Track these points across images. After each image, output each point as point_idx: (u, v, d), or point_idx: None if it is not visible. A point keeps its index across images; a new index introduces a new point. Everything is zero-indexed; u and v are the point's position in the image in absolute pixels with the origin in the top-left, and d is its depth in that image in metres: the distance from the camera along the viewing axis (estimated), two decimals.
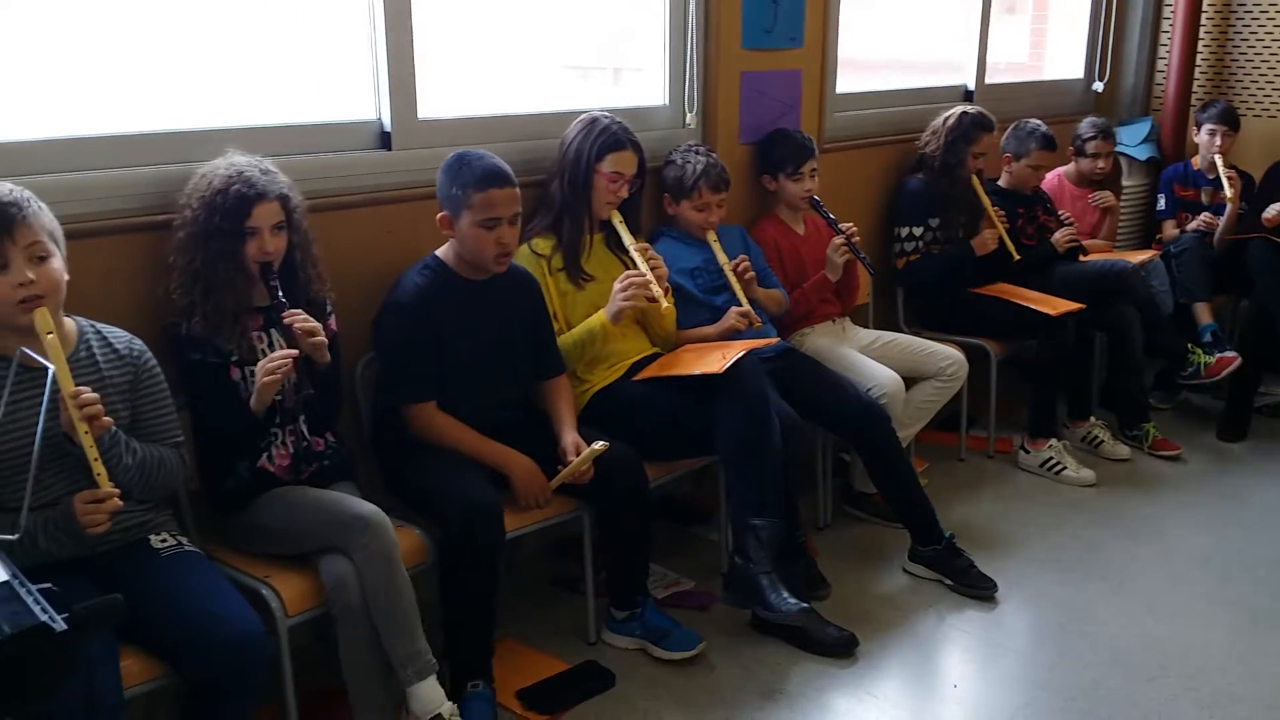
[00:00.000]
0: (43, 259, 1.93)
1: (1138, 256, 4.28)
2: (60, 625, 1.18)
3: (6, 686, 1.21)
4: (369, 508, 2.25)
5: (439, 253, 2.61)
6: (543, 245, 2.86)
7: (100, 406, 1.91)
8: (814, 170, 3.39)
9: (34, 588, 1.27)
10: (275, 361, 2.18)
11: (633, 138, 2.87)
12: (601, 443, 2.51)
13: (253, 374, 2.28)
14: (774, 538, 2.69)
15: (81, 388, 1.91)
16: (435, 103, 2.79)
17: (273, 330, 2.34)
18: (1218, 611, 2.98)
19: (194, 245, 2.22)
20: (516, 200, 2.52)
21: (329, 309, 2.43)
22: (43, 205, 1.97)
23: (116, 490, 1.91)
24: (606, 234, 2.95)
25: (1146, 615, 2.95)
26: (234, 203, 2.20)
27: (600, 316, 2.78)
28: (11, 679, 1.21)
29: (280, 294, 2.25)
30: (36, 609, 1.20)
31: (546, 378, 2.75)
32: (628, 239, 2.84)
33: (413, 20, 2.66)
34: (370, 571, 2.19)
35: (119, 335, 2.13)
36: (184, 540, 2.15)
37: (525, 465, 2.55)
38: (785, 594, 2.63)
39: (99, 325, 2.12)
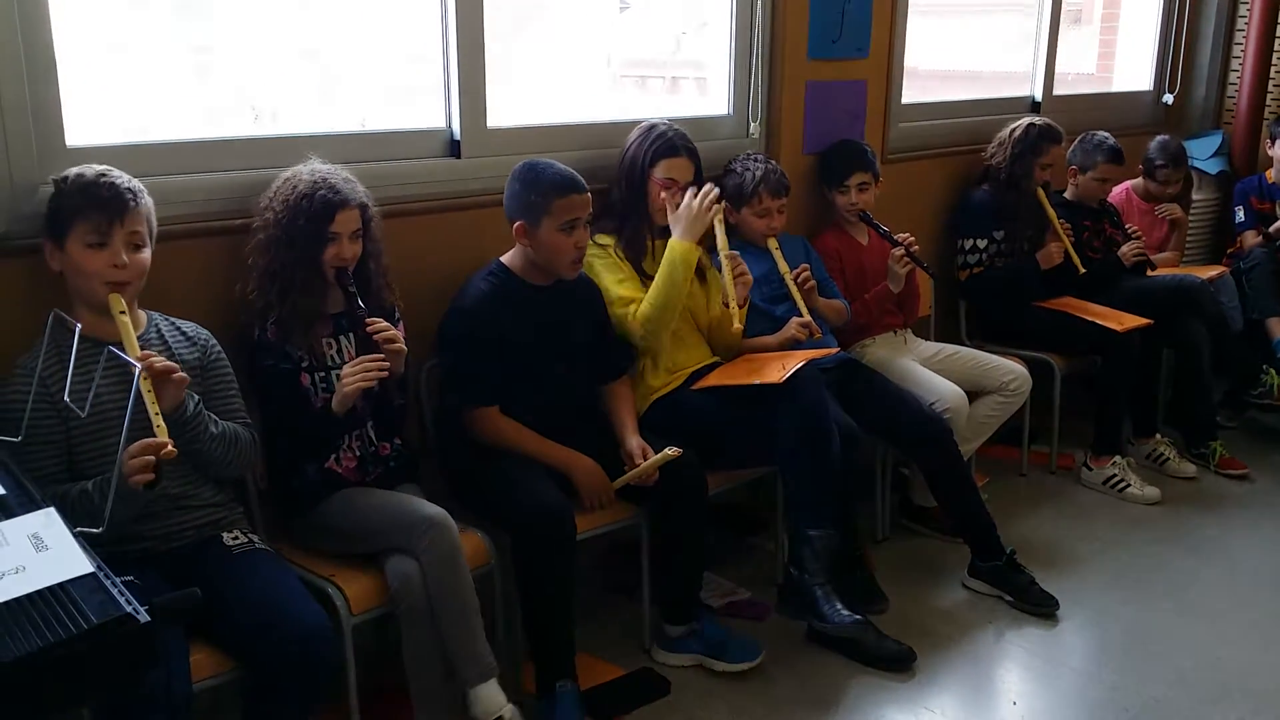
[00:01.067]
0: (138, 247, 2.05)
1: (1207, 272, 4.20)
2: (144, 616, 1.22)
3: (92, 675, 1.26)
4: (434, 509, 2.29)
5: (504, 259, 2.65)
6: (605, 239, 2.87)
7: (171, 364, 1.96)
8: (863, 184, 3.37)
9: (119, 580, 1.31)
10: (368, 368, 2.23)
11: (689, 144, 2.89)
12: (674, 449, 2.52)
13: (322, 379, 2.34)
14: (830, 549, 2.69)
15: (149, 352, 1.97)
16: (503, 112, 2.84)
17: (342, 337, 2.39)
18: None
19: (274, 247, 2.28)
20: (590, 204, 2.58)
21: (397, 316, 2.48)
22: (149, 200, 2.09)
23: (167, 442, 1.88)
24: (668, 239, 2.96)
25: (1211, 635, 2.90)
26: (319, 207, 2.26)
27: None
28: (97, 667, 1.26)
29: (359, 301, 2.30)
30: (121, 600, 1.24)
31: (608, 381, 2.78)
32: (722, 241, 2.84)
33: (484, 31, 2.71)
34: (435, 572, 2.23)
35: (187, 324, 2.22)
36: (255, 538, 2.20)
37: (588, 466, 2.57)
38: (840, 606, 2.63)
39: (169, 317, 2.21)
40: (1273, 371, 4.03)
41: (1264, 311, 4.19)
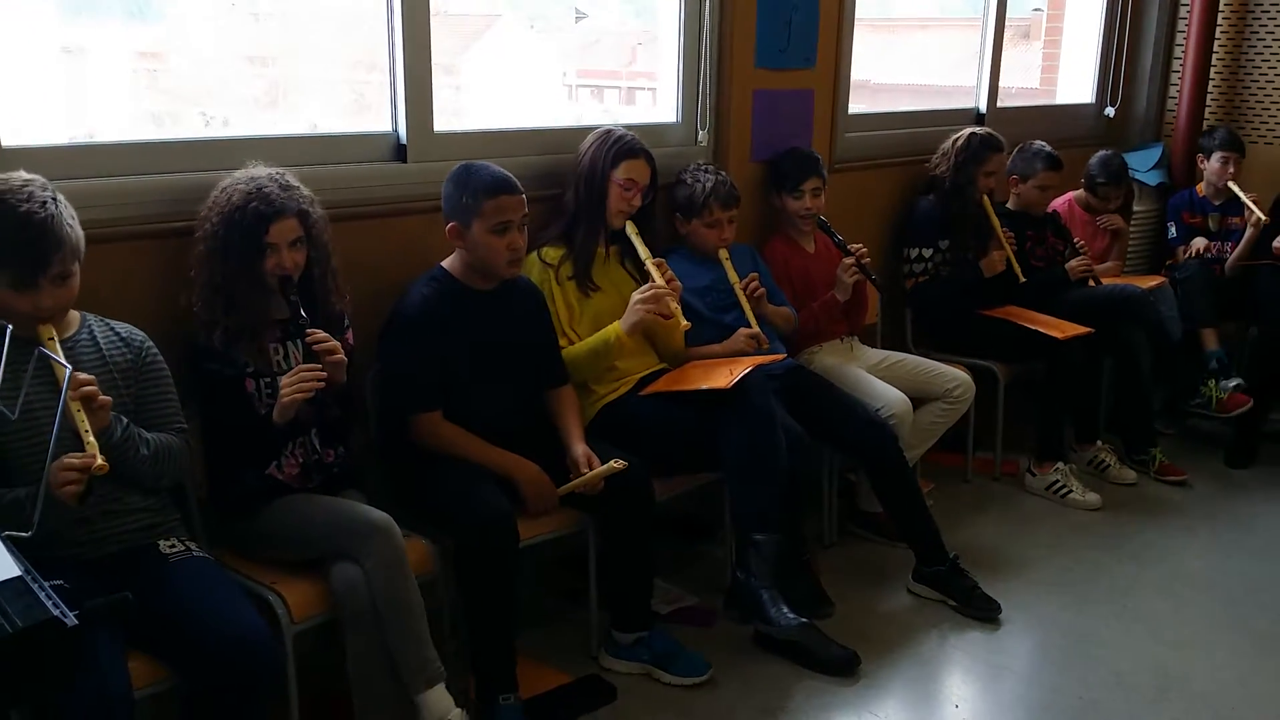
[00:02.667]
0: (66, 278, 1.99)
1: (1147, 282, 4.29)
2: (71, 620, 1.20)
3: (19, 679, 1.24)
4: (379, 515, 2.28)
5: (445, 264, 2.64)
6: (552, 255, 2.89)
7: (93, 388, 1.92)
8: (816, 189, 3.40)
9: (47, 584, 1.29)
10: (305, 380, 2.20)
11: (645, 148, 2.91)
12: (620, 462, 2.52)
13: (267, 385, 2.32)
14: (776, 553, 2.70)
15: (81, 374, 1.93)
16: (450, 117, 2.83)
17: (289, 343, 2.37)
18: (1221, 635, 2.99)
19: (214, 260, 2.25)
20: (524, 205, 2.57)
21: (346, 323, 2.46)
22: (74, 217, 2.01)
23: (96, 455, 1.86)
24: (621, 249, 2.97)
25: (1150, 638, 2.96)
26: (252, 220, 2.23)
27: (615, 328, 2.80)
28: (24, 672, 1.23)
29: (301, 311, 2.28)
30: (49, 604, 1.22)
31: (552, 387, 2.77)
32: (643, 251, 2.86)
33: (430, 34, 2.70)
34: (379, 578, 2.21)
35: (120, 325, 2.18)
36: (193, 546, 2.17)
37: (532, 471, 2.57)
38: (785, 609, 2.65)
39: (104, 318, 2.16)
40: (1212, 384, 4.11)
41: (1198, 322, 4.28)
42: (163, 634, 1.95)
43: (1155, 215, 4.89)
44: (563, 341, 2.85)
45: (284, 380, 2.23)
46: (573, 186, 2.92)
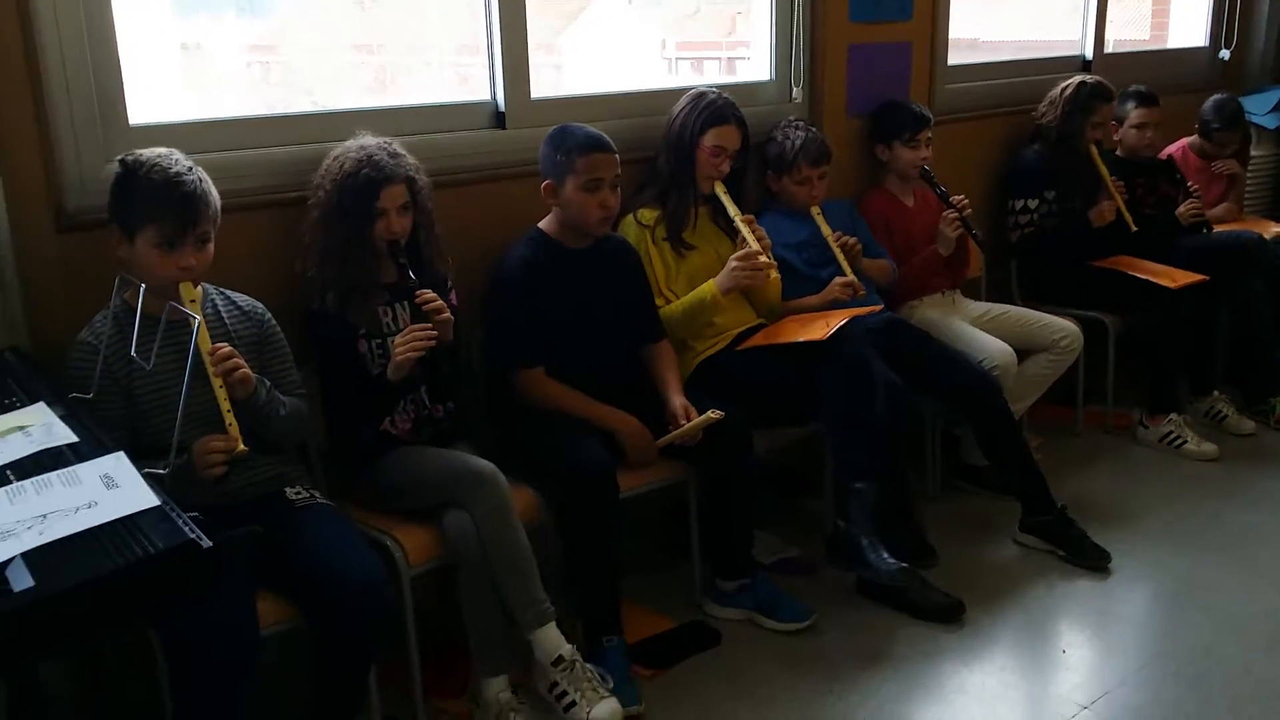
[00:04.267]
0: (205, 243, 2.13)
1: (1269, 229, 4.13)
2: (207, 542, 1.32)
3: (159, 598, 1.36)
4: (485, 464, 2.38)
5: (542, 224, 2.72)
6: (648, 216, 2.94)
7: (237, 360, 2.07)
8: (929, 139, 3.39)
9: (183, 514, 1.41)
10: (417, 338, 2.31)
11: (738, 113, 2.93)
12: (717, 412, 2.57)
13: (379, 345, 2.44)
14: (876, 501, 2.72)
15: (219, 344, 2.08)
16: (548, 85, 2.91)
17: (397, 305, 2.49)
18: None
19: (327, 225, 2.38)
20: (617, 165, 2.63)
21: (449, 284, 2.56)
22: (216, 193, 2.15)
23: (238, 440, 2.02)
24: (712, 208, 3.01)
25: (1265, 585, 2.89)
26: (363, 185, 2.35)
27: (711, 286, 2.84)
28: (163, 591, 1.36)
29: (410, 273, 2.39)
30: (185, 529, 1.34)
31: (651, 341, 2.84)
32: (732, 209, 2.90)
33: (526, 2, 2.77)
34: (488, 524, 2.31)
35: (241, 297, 2.31)
36: (316, 494, 2.30)
37: (632, 424, 2.63)
38: (885, 554, 2.67)
39: (224, 289, 2.29)
40: None
41: None
42: (289, 576, 2.09)
43: (1274, 159, 4.69)
44: (660, 301, 2.90)
45: (397, 340, 2.34)
46: (664, 151, 2.97)
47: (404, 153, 2.44)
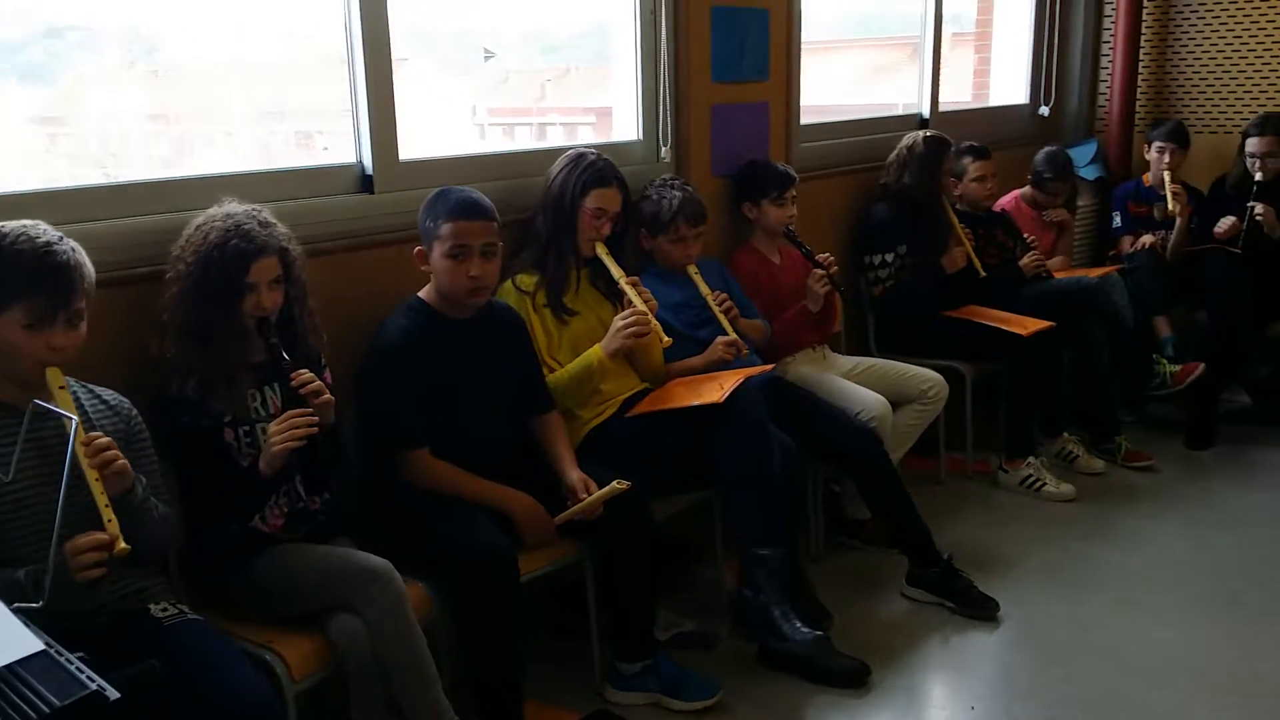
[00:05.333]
0: (77, 322, 1.88)
1: (1097, 273, 4.35)
2: (113, 693, 1.09)
3: None
4: (377, 560, 2.17)
5: (421, 294, 2.56)
6: (527, 281, 2.82)
7: (116, 451, 1.82)
8: (794, 197, 3.40)
9: (72, 657, 1.18)
10: (296, 425, 2.09)
11: (618, 175, 2.86)
12: (623, 482, 2.45)
13: (246, 433, 2.21)
14: (782, 567, 2.65)
15: (95, 433, 1.83)
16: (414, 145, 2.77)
17: (266, 389, 2.26)
18: (1216, 613, 3.02)
19: (189, 302, 2.14)
20: (489, 232, 2.48)
21: (323, 362, 2.35)
22: (90, 266, 1.91)
23: (118, 537, 1.77)
24: (592, 270, 2.91)
25: (1148, 622, 2.97)
26: (231, 258, 2.12)
27: (598, 351, 2.74)
28: None
29: (284, 353, 2.17)
30: (82, 677, 1.11)
31: (539, 413, 2.70)
32: (616, 272, 2.81)
33: (392, 61, 2.62)
34: (382, 626, 2.11)
35: (106, 391, 2.05)
36: (184, 608, 2.04)
37: (527, 503, 2.48)
38: (799, 624, 2.60)
39: (85, 383, 2.02)
40: (1164, 362, 4.19)
41: (1150, 310, 4.36)
42: (164, 704, 1.82)
43: (1095, 209, 4.98)
44: (544, 370, 2.77)
45: (273, 428, 2.11)
46: (542, 212, 2.86)
47: (275, 221, 2.23)
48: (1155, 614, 3.01)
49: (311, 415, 2.13)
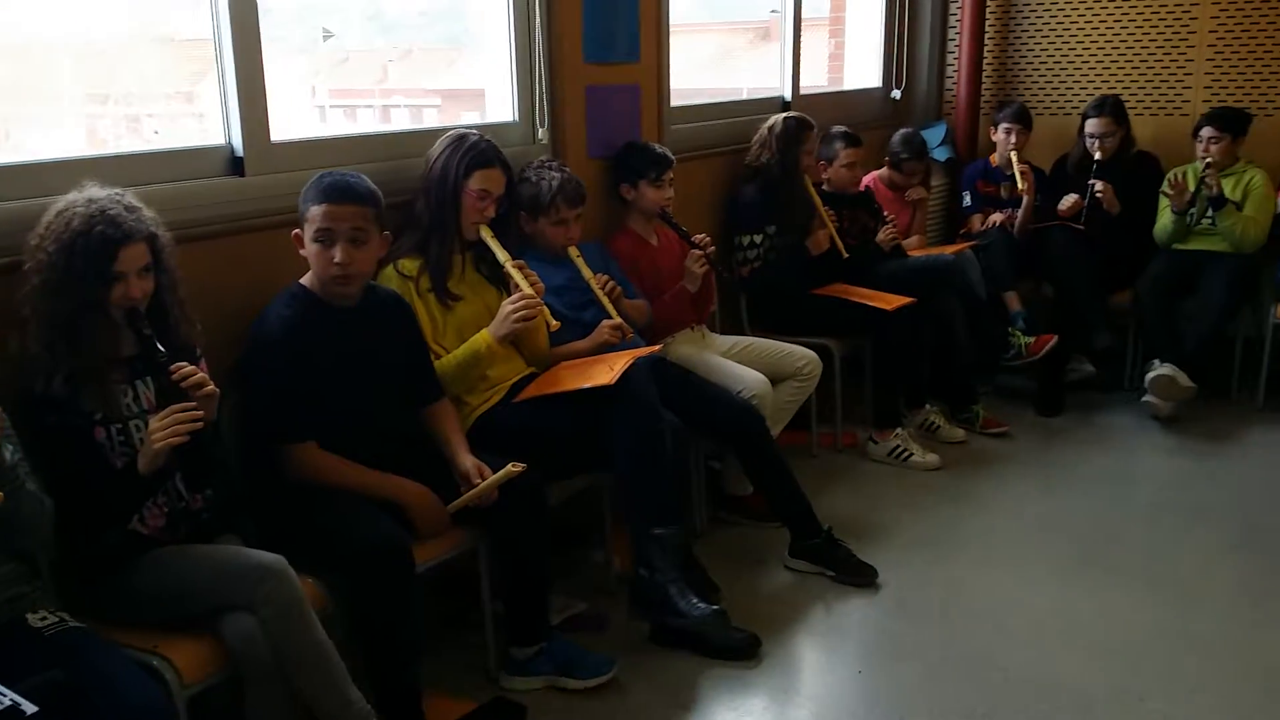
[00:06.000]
0: None
1: (952, 250, 4.54)
2: (30, 707, 1.03)
3: None
4: (269, 556, 2.10)
5: (304, 280, 2.47)
6: (409, 266, 2.75)
7: None
8: (672, 179, 3.43)
9: None
10: (179, 420, 1.98)
11: (501, 156, 2.82)
12: (518, 465, 2.42)
13: (119, 431, 2.09)
14: (677, 545, 2.68)
15: None
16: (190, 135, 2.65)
17: (138, 383, 2.14)
18: (1074, 569, 3.20)
19: (52, 294, 2.00)
20: (358, 217, 2.39)
21: (199, 353, 2.24)
22: None
23: None
24: (476, 253, 2.87)
25: (1014, 581, 3.13)
26: (97, 246, 2.00)
27: (485, 336, 2.70)
28: None
29: (158, 344, 2.05)
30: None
31: (429, 402, 2.64)
32: (502, 255, 2.78)
33: (260, 36, 2.51)
34: (279, 624, 2.04)
35: None
36: (65, 616, 1.92)
37: (420, 492, 2.44)
38: (695, 600, 2.63)
39: None
40: (1019, 334, 4.41)
41: (1001, 285, 4.58)
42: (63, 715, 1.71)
43: (946, 188, 5.20)
44: (430, 356, 2.72)
45: (154, 424, 2.00)
46: (424, 195, 2.79)
47: (141, 206, 2.11)
48: (1020, 573, 3.18)
49: (195, 409, 2.03)
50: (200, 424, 2.02)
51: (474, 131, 2.81)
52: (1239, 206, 4.38)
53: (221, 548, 2.18)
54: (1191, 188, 4.41)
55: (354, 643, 2.29)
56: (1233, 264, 4.36)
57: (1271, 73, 4.80)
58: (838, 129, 4.26)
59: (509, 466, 2.42)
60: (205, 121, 3.28)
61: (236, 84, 2.49)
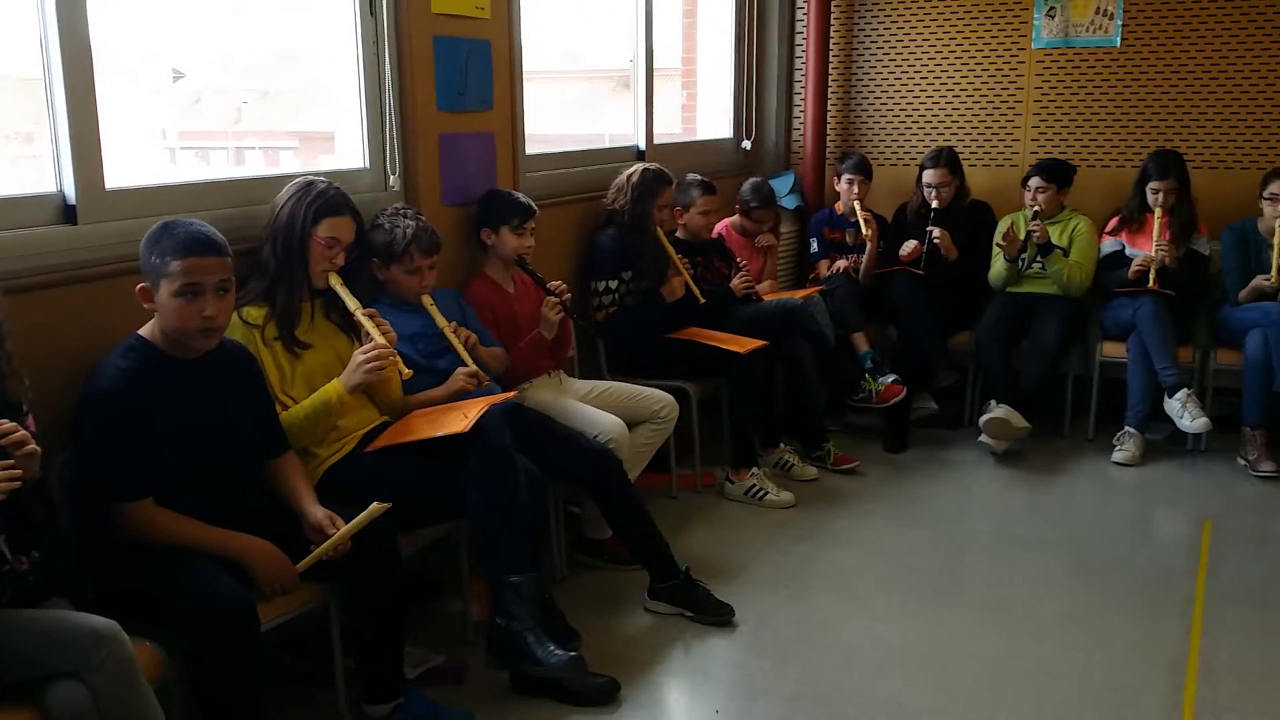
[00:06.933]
0: None
1: (801, 294, 4.69)
2: None
3: None
4: (101, 621, 1.99)
5: (142, 332, 2.38)
6: (255, 314, 2.69)
7: None
8: (533, 229, 3.46)
9: None
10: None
11: (350, 203, 2.78)
12: (382, 504, 2.37)
13: None
14: (533, 592, 2.67)
15: None
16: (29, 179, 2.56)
17: None
18: (920, 601, 3.32)
19: None
20: (223, 269, 2.35)
21: (26, 409, 2.14)
22: None
23: None
24: (325, 301, 2.82)
25: (865, 614, 3.23)
26: None
27: (336, 386, 2.65)
28: None
29: None
30: None
31: (273, 456, 2.58)
32: (352, 303, 2.74)
33: (94, 80, 2.43)
34: (110, 693, 1.93)
35: None
36: None
37: (264, 548, 2.36)
38: (553, 647, 2.62)
39: None
40: (869, 379, 4.58)
41: (849, 328, 4.75)
42: None
43: (795, 235, 5.37)
44: (276, 407, 2.65)
45: None
46: (270, 242, 2.74)
47: None
48: (871, 607, 3.28)
49: (14, 468, 1.93)
50: (19, 483, 1.92)
51: (322, 179, 2.78)
52: (1065, 252, 4.67)
53: (49, 612, 2.06)
54: (1021, 235, 4.68)
55: (193, 710, 2.20)
56: (1062, 306, 4.63)
57: (1092, 126, 5.15)
58: (695, 177, 4.37)
59: (373, 506, 2.37)
60: (45, 163, 3.16)
61: (69, 127, 2.39)
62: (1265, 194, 4.44)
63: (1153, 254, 4.44)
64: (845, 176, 4.95)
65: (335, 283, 2.75)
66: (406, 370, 2.74)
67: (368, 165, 3.24)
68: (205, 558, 2.29)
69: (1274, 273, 4.31)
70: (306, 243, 2.71)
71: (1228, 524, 3.89)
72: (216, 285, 2.33)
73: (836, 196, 5.09)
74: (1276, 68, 4.82)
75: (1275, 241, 4.31)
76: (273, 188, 2.78)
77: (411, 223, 3.04)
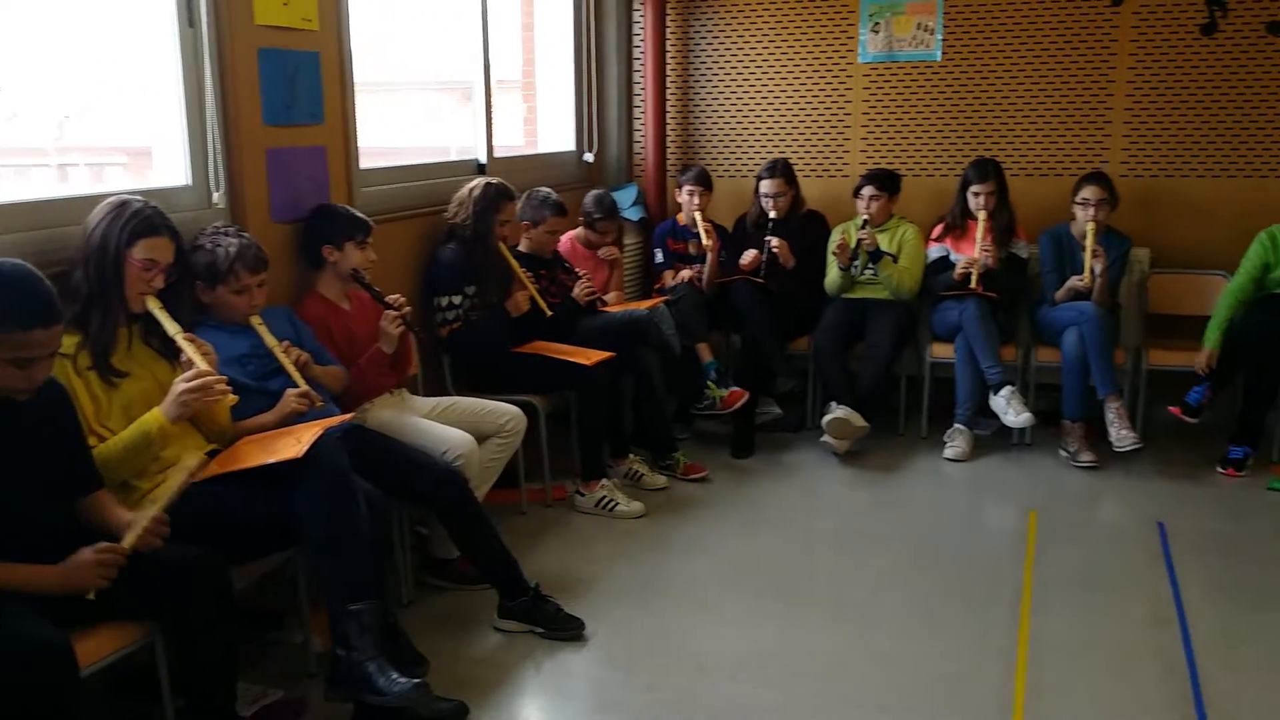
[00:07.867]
0: None
1: (647, 305, 4.73)
2: None
3: None
4: None
5: None
6: (66, 343, 2.53)
7: None
8: (372, 243, 3.38)
9: None
10: None
11: (168, 223, 2.66)
12: (197, 455, 2.28)
13: None
14: (375, 620, 2.60)
15: None
16: None
17: None
18: (768, 604, 3.38)
19: None
20: (59, 335, 2.20)
21: None
22: None
23: None
24: (144, 326, 2.69)
25: (714, 620, 3.27)
26: None
27: (157, 416, 2.52)
28: None
29: None
30: None
31: (86, 493, 2.43)
32: (172, 328, 2.62)
33: None
34: None
35: None
36: None
37: (74, 561, 2.20)
38: (395, 675, 2.56)
39: None
40: (713, 387, 4.65)
41: (694, 337, 4.81)
42: None
43: (640, 246, 5.42)
44: (92, 440, 2.51)
45: None
46: (83, 266, 2.59)
47: None
48: (719, 613, 3.33)
49: None
50: None
51: (137, 198, 2.64)
52: (895, 258, 4.85)
53: None
54: (853, 243, 4.84)
55: None
56: (894, 310, 4.81)
57: (916, 137, 5.37)
58: (549, 195, 4.34)
59: (184, 460, 2.29)
60: None
61: None
62: (1077, 199, 4.71)
63: (976, 256, 4.65)
64: (686, 188, 5.03)
65: (154, 306, 2.63)
66: (232, 395, 2.63)
67: (190, 182, 3.11)
68: (11, 599, 2.14)
69: (1087, 274, 4.57)
70: (122, 266, 2.58)
71: (1052, 513, 4.11)
72: (50, 353, 2.19)
73: (679, 208, 5.16)
74: (1086, 80, 5.12)
75: (1087, 244, 4.57)
76: (82, 209, 2.63)
77: (235, 240, 2.92)
